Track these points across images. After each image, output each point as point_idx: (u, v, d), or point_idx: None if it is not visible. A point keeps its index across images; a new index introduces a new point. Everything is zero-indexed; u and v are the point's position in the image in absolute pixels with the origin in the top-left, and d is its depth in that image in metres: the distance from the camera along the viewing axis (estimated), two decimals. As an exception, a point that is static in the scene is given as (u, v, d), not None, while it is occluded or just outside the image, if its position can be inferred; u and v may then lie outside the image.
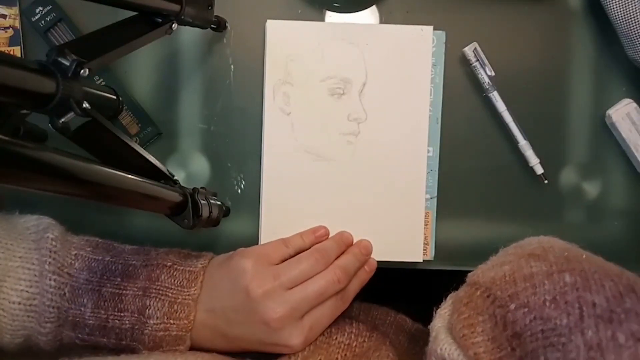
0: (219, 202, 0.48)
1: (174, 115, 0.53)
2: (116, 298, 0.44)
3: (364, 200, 0.52)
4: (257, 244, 0.52)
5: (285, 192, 0.51)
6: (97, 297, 0.44)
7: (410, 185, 0.52)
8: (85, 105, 0.33)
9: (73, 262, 0.45)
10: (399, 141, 0.52)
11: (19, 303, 0.43)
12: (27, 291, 0.43)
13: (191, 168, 0.54)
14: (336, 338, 0.48)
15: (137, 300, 0.44)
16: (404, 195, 0.52)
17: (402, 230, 0.52)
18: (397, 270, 0.54)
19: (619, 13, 0.50)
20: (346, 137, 0.51)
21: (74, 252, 0.46)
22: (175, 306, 0.44)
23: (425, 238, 0.53)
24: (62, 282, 0.44)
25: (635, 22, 0.50)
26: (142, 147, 0.47)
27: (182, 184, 0.44)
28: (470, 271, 0.43)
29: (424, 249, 0.53)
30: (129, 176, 0.36)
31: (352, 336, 0.48)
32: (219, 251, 0.50)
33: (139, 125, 0.52)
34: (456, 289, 0.42)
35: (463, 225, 0.55)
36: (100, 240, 0.48)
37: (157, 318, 0.44)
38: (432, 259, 0.54)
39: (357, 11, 0.53)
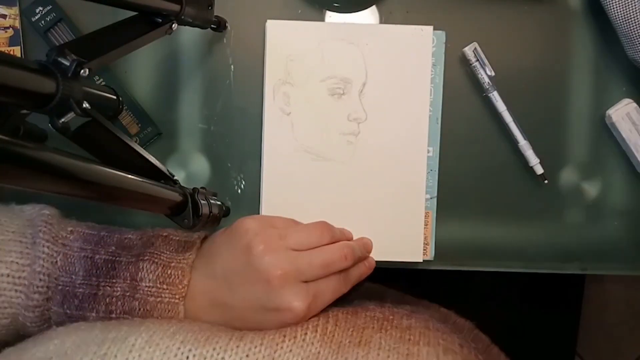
0: (219, 202, 0.48)
1: (174, 115, 0.53)
2: (109, 265, 0.43)
3: (364, 200, 0.52)
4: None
5: (285, 192, 0.51)
6: (90, 264, 0.42)
7: (410, 185, 0.52)
8: (85, 105, 0.33)
9: (68, 235, 0.44)
10: (399, 141, 0.52)
11: (7, 275, 0.41)
12: (17, 262, 0.41)
13: (191, 168, 0.54)
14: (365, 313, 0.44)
15: (130, 266, 0.43)
16: (404, 195, 0.52)
17: (402, 230, 0.52)
18: (397, 270, 0.54)
19: (619, 13, 0.50)
20: (346, 137, 0.51)
21: (69, 228, 0.44)
22: (169, 270, 0.42)
23: (425, 238, 0.53)
24: (56, 250, 0.43)
25: (635, 22, 0.50)
26: (142, 147, 0.47)
27: (182, 184, 0.44)
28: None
29: (424, 249, 0.53)
30: (129, 176, 0.36)
31: (386, 312, 0.45)
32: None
33: (139, 125, 0.52)
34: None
35: (463, 225, 0.55)
36: (97, 224, 0.47)
37: (150, 281, 0.42)
38: (432, 259, 0.54)
39: (357, 11, 0.53)
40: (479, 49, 0.53)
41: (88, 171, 0.32)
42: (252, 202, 0.53)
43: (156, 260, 0.43)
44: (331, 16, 0.53)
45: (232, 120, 0.53)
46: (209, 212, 0.45)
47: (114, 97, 0.49)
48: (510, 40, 0.54)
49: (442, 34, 0.53)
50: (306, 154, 0.51)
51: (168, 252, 0.43)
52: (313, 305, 0.42)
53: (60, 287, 0.42)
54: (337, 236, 0.47)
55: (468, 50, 0.53)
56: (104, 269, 0.42)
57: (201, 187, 0.46)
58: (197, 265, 0.44)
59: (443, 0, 0.53)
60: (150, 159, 0.41)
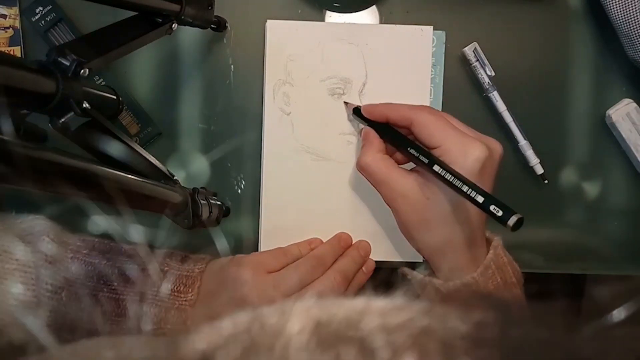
0: (219, 202, 0.48)
1: (174, 115, 0.53)
2: (113, 304, 0.44)
3: (364, 200, 0.52)
4: (258, 244, 0.52)
5: (285, 192, 0.51)
6: (95, 301, 0.44)
7: (410, 185, 0.52)
8: (85, 105, 0.33)
9: (70, 265, 0.45)
10: (399, 141, 0.52)
11: (17, 306, 0.43)
12: (24, 294, 0.43)
13: (191, 168, 0.54)
14: None
15: (134, 305, 0.44)
16: (404, 195, 0.52)
17: (402, 230, 0.52)
18: (396, 271, 0.54)
19: (619, 13, 0.50)
20: (346, 137, 0.51)
21: (70, 255, 0.46)
22: (172, 312, 0.44)
23: (425, 238, 0.53)
24: (59, 286, 0.44)
25: (635, 22, 0.50)
26: (142, 147, 0.47)
27: (182, 184, 0.44)
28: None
29: (424, 249, 0.53)
30: (129, 176, 0.36)
31: None
32: (219, 251, 0.50)
33: (139, 125, 0.52)
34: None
35: (463, 225, 0.55)
36: (96, 240, 0.48)
37: (154, 324, 0.44)
38: (432, 259, 0.54)
39: (357, 11, 0.53)
40: (479, 49, 0.53)
41: (88, 171, 0.32)
42: (252, 202, 0.53)
43: (159, 303, 0.44)
44: (331, 16, 0.53)
45: (232, 120, 0.53)
46: (209, 212, 0.45)
47: (114, 97, 0.49)
48: (510, 40, 0.54)
49: (442, 34, 0.53)
50: (306, 154, 0.51)
51: (170, 293, 0.45)
52: None
53: (68, 323, 0.44)
54: (329, 259, 0.48)
55: (468, 50, 0.53)
56: (108, 307, 0.44)
57: (201, 187, 0.46)
58: (197, 305, 0.45)
59: (443, 0, 0.53)
60: (150, 159, 0.41)
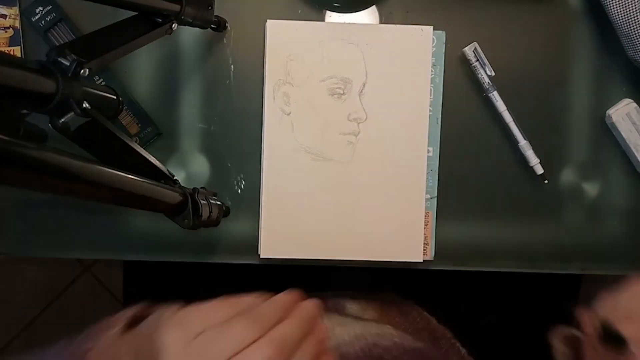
0: (219, 202, 0.48)
1: (174, 115, 0.53)
2: None
3: (364, 200, 0.52)
4: (257, 244, 0.52)
5: (285, 192, 0.51)
6: None
7: (410, 185, 0.52)
8: (85, 105, 0.33)
9: None
10: (399, 141, 0.52)
11: None
12: None
13: (191, 168, 0.54)
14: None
15: None
16: (403, 195, 0.52)
17: (402, 230, 0.52)
18: (397, 271, 0.54)
19: (619, 13, 0.50)
20: (346, 137, 0.51)
21: None
22: None
23: (425, 238, 0.53)
24: None
25: (635, 22, 0.50)
26: (142, 147, 0.47)
27: (182, 184, 0.44)
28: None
29: (424, 249, 0.53)
30: (129, 176, 0.36)
31: None
32: (219, 251, 0.50)
33: (139, 125, 0.52)
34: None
35: (463, 225, 0.55)
36: None
37: None
38: (432, 259, 0.54)
39: (357, 11, 0.53)
40: (479, 49, 0.53)
41: (88, 171, 0.32)
42: (252, 202, 0.53)
43: None
44: (331, 16, 0.53)
45: (232, 120, 0.53)
46: (209, 212, 0.45)
47: (114, 97, 0.49)
48: (510, 40, 0.54)
49: (442, 34, 0.53)
50: (306, 154, 0.51)
51: None
52: None
53: None
54: (269, 322, 0.31)
55: (468, 50, 0.53)
56: None
57: (201, 187, 0.46)
58: None
59: (443, 0, 0.53)
60: (150, 159, 0.41)
